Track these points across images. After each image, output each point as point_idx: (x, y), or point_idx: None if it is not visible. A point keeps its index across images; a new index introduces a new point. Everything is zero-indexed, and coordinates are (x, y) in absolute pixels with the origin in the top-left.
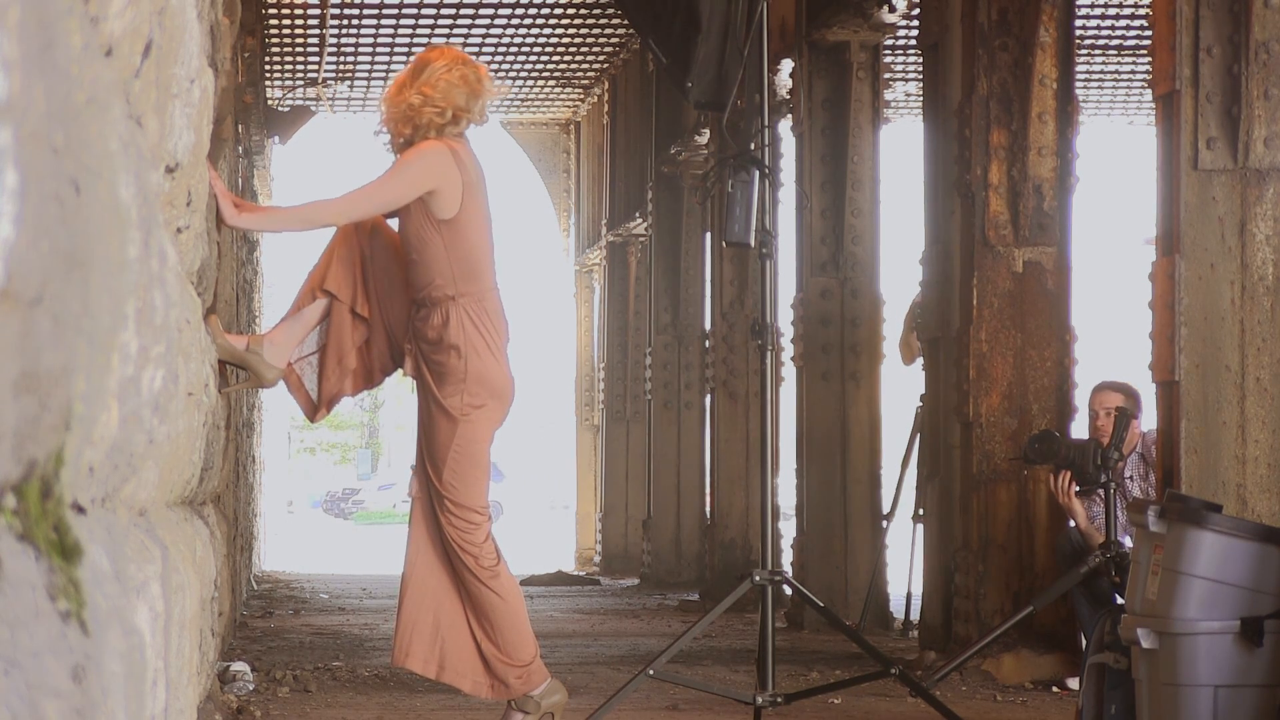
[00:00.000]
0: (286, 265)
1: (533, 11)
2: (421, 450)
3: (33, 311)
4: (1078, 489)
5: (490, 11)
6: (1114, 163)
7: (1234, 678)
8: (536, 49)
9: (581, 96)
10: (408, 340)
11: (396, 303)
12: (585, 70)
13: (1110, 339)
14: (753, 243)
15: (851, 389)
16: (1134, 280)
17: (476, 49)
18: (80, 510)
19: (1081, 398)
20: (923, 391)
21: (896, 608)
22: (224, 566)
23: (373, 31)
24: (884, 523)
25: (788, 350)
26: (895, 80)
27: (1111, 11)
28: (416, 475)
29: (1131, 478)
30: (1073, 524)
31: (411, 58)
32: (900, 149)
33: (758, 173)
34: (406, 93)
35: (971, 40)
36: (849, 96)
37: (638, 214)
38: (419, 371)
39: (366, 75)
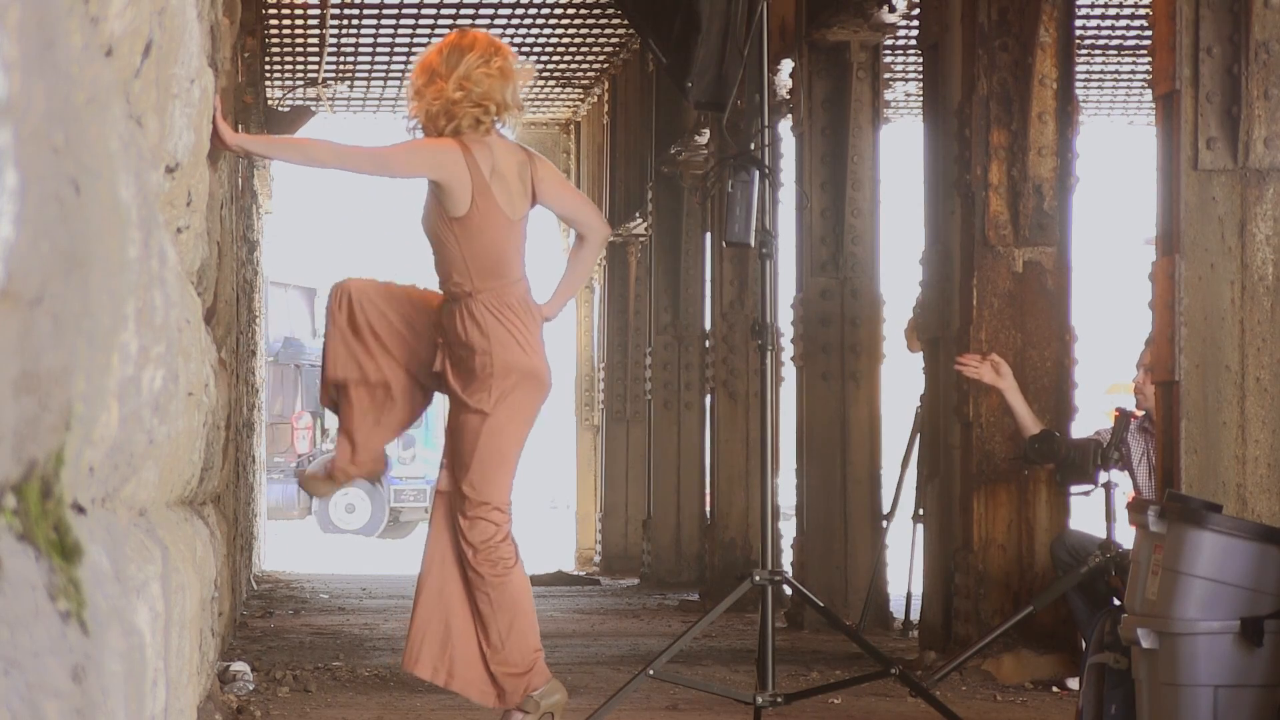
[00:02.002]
0: (286, 265)
1: (533, 11)
2: (449, 445)
3: (33, 311)
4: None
5: (490, 11)
6: (1114, 163)
7: (1234, 678)
8: (536, 49)
9: (581, 96)
10: (438, 335)
11: (403, 344)
12: (585, 70)
13: (1110, 339)
14: (753, 243)
15: (851, 389)
16: (1134, 280)
17: None
18: (80, 510)
19: (1082, 398)
20: (922, 391)
21: (896, 608)
22: (224, 566)
23: (373, 31)
24: (884, 523)
25: (788, 350)
26: (895, 80)
27: (1111, 11)
28: (445, 470)
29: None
30: (1071, 526)
31: (415, 55)
32: (900, 149)
33: (758, 173)
34: (441, 84)
35: (971, 40)
36: (849, 96)
37: (638, 214)
38: (443, 367)
39: (366, 75)
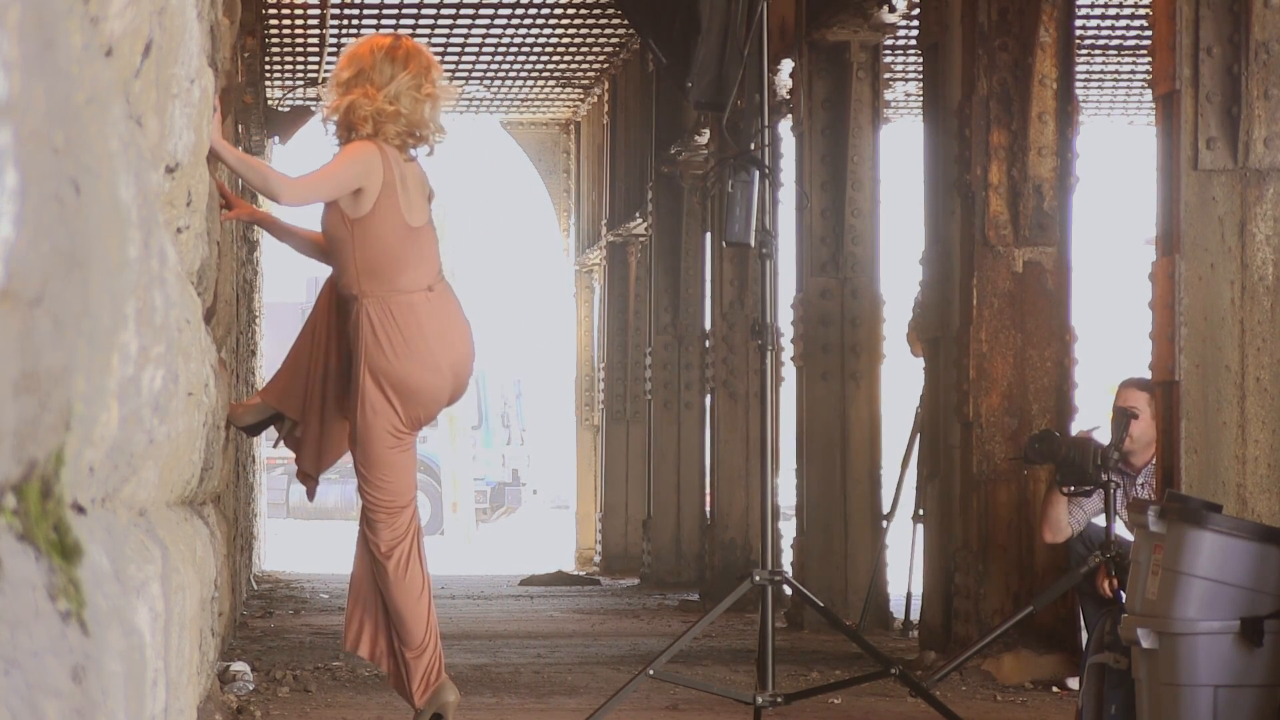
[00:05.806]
0: (286, 265)
1: (533, 11)
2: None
3: (33, 311)
4: (1076, 489)
5: (490, 11)
6: (1114, 163)
7: (1234, 678)
8: (536, 49)
9: (581, 96)
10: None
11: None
12: (585, 70)
13: (1110, 339)
14: (753, 243)
15: (851, 389)
16: (1134, 280)
17: (476, 49)
18: (80, 510)
19: (1082, 398)
20: (922, 391)
21: (896, 608)
22: (224, 566)
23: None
24: (884, 523)
25: (788, 350)
26: (895, 80)
27: (1111, 11)
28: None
29: (1144, 485)
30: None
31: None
32: (900, 149)
33: (758, 173)
34: (371, 90)
35: (971, 40)
36: (849, 96)
37: (638, 214)
38: (340, 368)
39: None
